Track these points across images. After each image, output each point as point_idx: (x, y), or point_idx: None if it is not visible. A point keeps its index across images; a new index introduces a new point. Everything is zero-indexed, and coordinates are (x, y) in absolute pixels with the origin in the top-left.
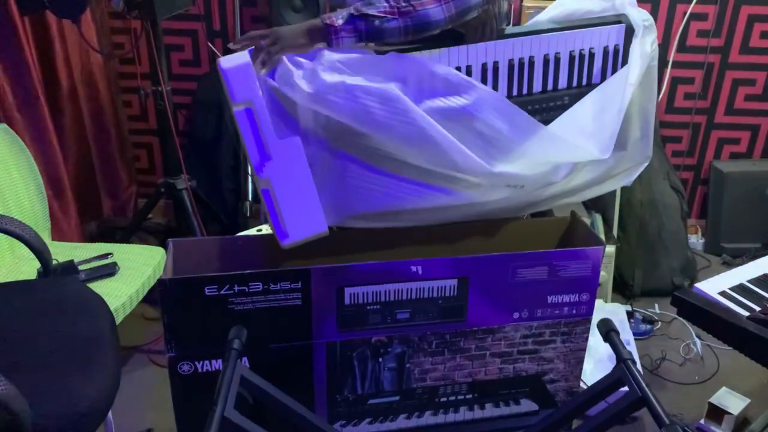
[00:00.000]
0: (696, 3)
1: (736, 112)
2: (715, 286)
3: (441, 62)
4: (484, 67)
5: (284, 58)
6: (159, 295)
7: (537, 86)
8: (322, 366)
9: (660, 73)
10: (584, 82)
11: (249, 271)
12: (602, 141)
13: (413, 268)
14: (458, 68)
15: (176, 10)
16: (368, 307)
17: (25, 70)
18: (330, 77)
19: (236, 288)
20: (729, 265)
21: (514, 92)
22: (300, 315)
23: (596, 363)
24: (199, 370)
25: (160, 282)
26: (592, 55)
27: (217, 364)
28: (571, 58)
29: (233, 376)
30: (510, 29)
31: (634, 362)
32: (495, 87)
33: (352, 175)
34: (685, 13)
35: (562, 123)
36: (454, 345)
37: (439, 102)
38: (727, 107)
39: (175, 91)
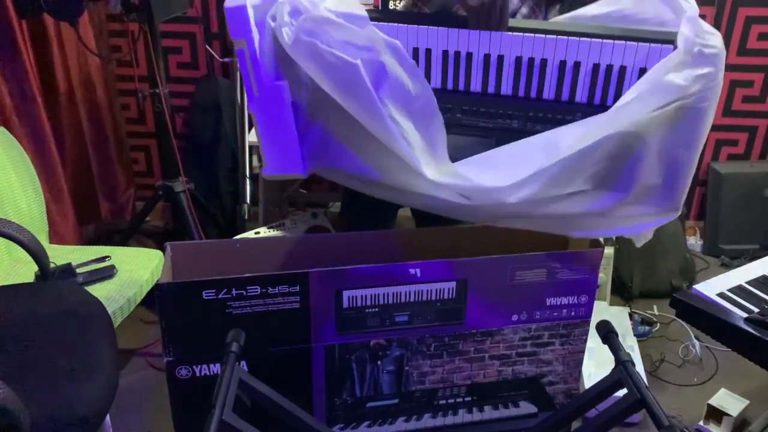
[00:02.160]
0: None
1: (734, 114)
2: (713, 287)
3: (439, 42)
4: (486, 58)
5: (285, 4)
6: (157, 299)
7: (549, 93)
8: (321, 369)
9: None
10: (609, 102)
11: (247, 275)
12: (521, 170)
13: (411, 271)
14: (457, 53)
15: (174, 13)
16: (367, 310)
17: (22, 73)
18: (306, 36)
19: (234, 292)
20: (728, 266)
21: (521, 93)
22: (298, 318)
23: (598, 365)
24: (197, 374)
25: (158, 286)
26: (622, 74)
27: (216, 368)
28: (595, 70)
29: (231, 380)
30: (527, 23)
31: (633, 364)
32: (498, 83)
33: (330, 130)
34: None
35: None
36: (452, 347)
37: (395, 88)
38: (724, 109)
39: (173, 94)
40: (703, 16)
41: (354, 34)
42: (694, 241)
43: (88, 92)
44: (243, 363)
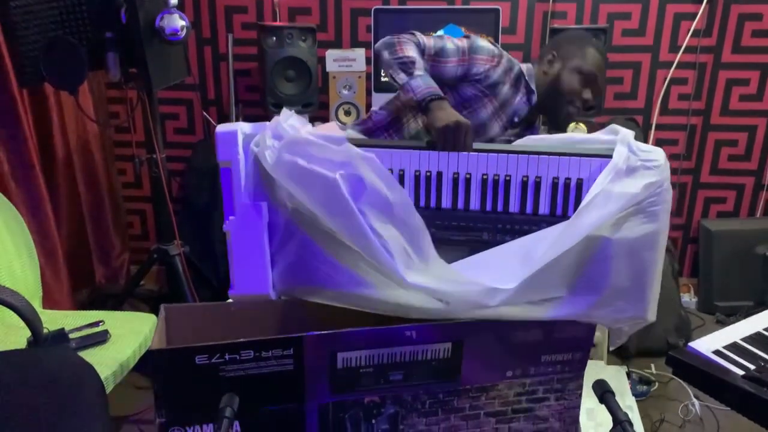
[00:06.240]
0: (676, 68)
1: (721, 172)
2: (709, 344)
3: (411, 163)
4: (455, 176)
5: (266, 130)
6: (149, 364)
7: (514, 206)
8: (314, 429)
9: (645, 136)
10: (570, 213)
11: (241, 340)
12: (508, 274)
13: (407, 333)
14: (428, 172)
15: (172, 81)
16: (361, 370)
17: (21, 140)
18: (288, 155)
19: (227, 357)
20: (723, 323)
21: (488, 207)
22: (292, 379)
23: (597, 426)
24: None
25: (150, 353)
26: (580, 186)
27: (208, 429)
28: (554, 184)
29: None
30: (491, 145)
31: (631, 424)
32: (467, 199)
33: (305, 249)
34: (668, 70)
35: (477, 259)
36: (447, 404)
37: (373, 197)
38: (711, 167)
39: (169, 158)
40: (686, 79)
41: (332, 151)
42: (689, 299)
43: (85, 158)
44: (236, 423)
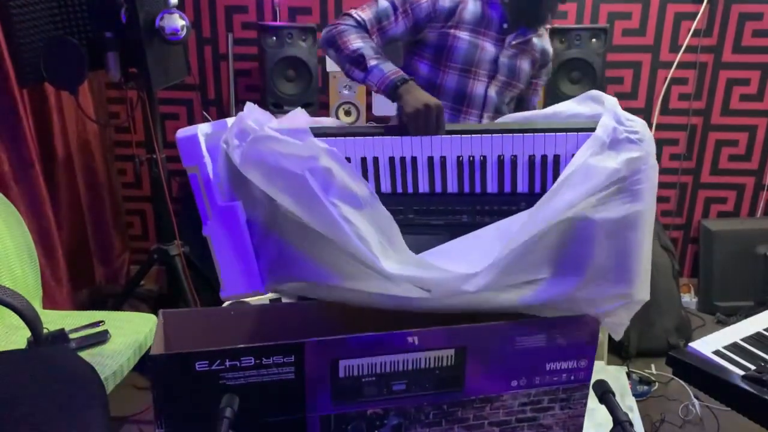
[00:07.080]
0: (677, 68)
1: (721, 172)
2: (709, 345)
3: (384, 150)
4: (430, 160)
5: (233, 127)
6: (149, 370)
7: (492, 187)
8: None
9: None
10: (549, 189)
11: (241, 346)
12: (485, 257)
13: (409, 339)
14: (402, 158)
15: (172, 81)
16: (363, 380)
17: (21, 140)
18: (254, 155)
19: (228, 363)
20: (723, 323)
21: (466, 189)
22: (293, 388)
23: (597, 426)
24: None
25: (150, 358)
26: (557, 162)
27: None
28: (531, 162)
29: None
30: (463, 126)
31: (631, 424)
32: (443, 182)
33: (286, 244)
34: (667, 77)
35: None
36: (451, 415)
37: (343, 190)
38: (711, 167)
39: (169, 159)
40: (695, 14)
41: (297, 147)
42: (689, 299)
43: (85, 158)
44: None
